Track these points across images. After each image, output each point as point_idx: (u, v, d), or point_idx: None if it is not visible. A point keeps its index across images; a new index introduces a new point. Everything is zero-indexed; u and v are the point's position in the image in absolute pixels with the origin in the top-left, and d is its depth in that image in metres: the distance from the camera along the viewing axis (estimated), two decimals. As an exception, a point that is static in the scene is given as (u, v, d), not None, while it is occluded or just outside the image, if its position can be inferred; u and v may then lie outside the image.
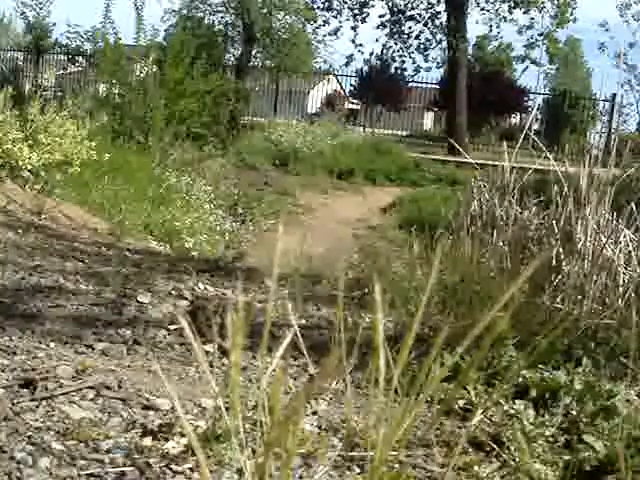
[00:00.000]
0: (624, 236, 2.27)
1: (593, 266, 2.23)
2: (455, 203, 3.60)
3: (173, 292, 2.69)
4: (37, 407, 1.45)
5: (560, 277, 2.27)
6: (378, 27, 19.67)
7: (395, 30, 19.57)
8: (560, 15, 18.27)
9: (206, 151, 10.50)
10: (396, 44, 19.82)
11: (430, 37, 19.32)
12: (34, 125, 5.47)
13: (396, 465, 1.30)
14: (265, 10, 18.11)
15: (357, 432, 1.43)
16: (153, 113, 9.33)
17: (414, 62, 20.01)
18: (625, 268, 2.25)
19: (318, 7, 19.26)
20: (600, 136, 18.80)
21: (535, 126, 19.64)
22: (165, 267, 3.23)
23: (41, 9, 20.64)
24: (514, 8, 18.35)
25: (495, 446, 1.49)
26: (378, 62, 21.79)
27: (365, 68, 22.57)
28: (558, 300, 2.22)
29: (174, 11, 18.84)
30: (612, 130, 16.56)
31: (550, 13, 18.32)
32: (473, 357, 1.76)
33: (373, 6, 19.43)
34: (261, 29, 18.14)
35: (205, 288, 2.82)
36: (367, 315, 2.36)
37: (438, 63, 20.10)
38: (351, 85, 23.18)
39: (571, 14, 18.28)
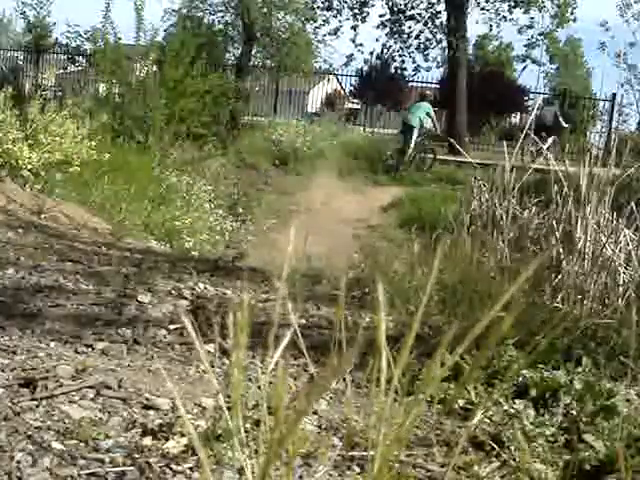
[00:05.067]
0: (624, 236, 2.28)
1: (593, 266, 2.24)
2: (455, 202, 3.60)
3: (173, 292, 2.68)
4: (37, 407, 1.45)
5: (560, 277, 2.27)
6: (378, 27, 19.67)
7: (395, 30, 19.56)
8: (560, 15, 18.27)
9: (206, 151, 10.50)
10: (396, 44, 19.82)
11: (430, 37, 19.31)
12: (34, 125, 5.47)
13: (396, 465, 1.30)
14: (265, 10, 18.07)
15: (357, 432, 1.43)
16: (153, 113, 9.33)
17: (414, 62, 20.01)
18: (625, 268, 2.25)
19: (318, 7, 19.25)
20: (600, 136, 18.81)
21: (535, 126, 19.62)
22: (165, 267, 3.23)
23: (41, 9, 20.66)
24: (514, 8, 18.35)
25: (495, 446, 1.49)
26: (378, 62, 21.79)
27: (365, 68, 22.56)
28: (558, 300, 2.22)
29: (174, 11, 18.82)
30: (612, 130, 16.57)
31: (550, 13, 18.32)
32: (476, 358, 1.76)
33: (373, 5, 19.42)
34: (261, 29, 18.10)
35: (205, 288, 2.82)
36: (367, 315, 2.36)
37: (438, 63, 20.10)
38: (351, 85, 23.16)
39: (571, 14, 18.29)
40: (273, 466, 0.95)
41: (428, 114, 13.53)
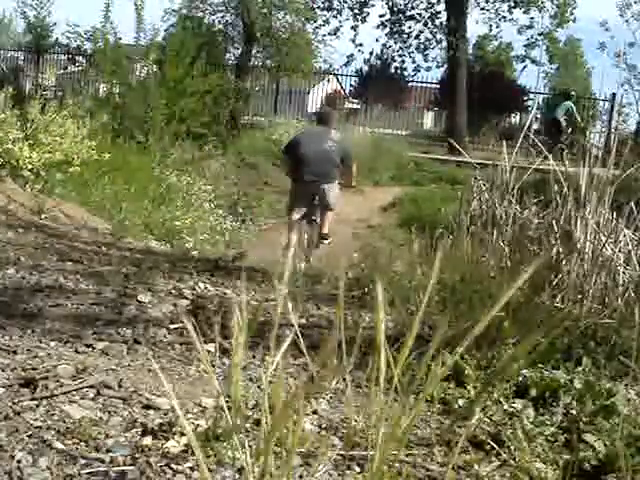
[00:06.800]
0: (624, 235, 2.28)
1: (593, 266, 2.24)
2: (455, 202, 3.60)
3: (173, 291, 2.69)
4: (37, 406, 1.45)
5: (560, 276, 2.27)
6: (378, 27, 19.68)
7: (395, 30, 19.57)
8: (560, 15, 18.28)
9: (206, 151, 10.50)
10: (396, 44, 19.84)
11: (430, 37, 19.32)
12: (34, 125, 5.48)
13: (396, 464, 1.31)
14: (265, 10, 18.06)
15: (357, 431, 1.43)
16: (153, 113, 9.33)
17: (414, 62, 20.03)
18: (625, 267, 2.25)
19: (318, 7, 19.26)
20: (600, 136, 18.80)
21: (535, 126, 19.63)
22: (165, 266, 3.23)
23: (42, 9, 20.66)
24: (514, 8, 18.36)
25: (495, 445, 1.50)
26: (378, 62, 21.81)
27: (365, 68, 22.59)
28: (558, 299, 2.22)
29: (174, 11, 18.81)
30: (612, 130, 16.57)
31: (550, 13, 18.33)
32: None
33: (373, 6, 19.43)
34: (261, 29, 18.09)
35: (205, 287, 2.82)
36: (367, 314, 2.37)
37: (438, 63, 20.12)
38: (351, 85, 23.16)
39: (571, 14, 18.30)
40: (273, 465, 0.95)
41: (569, 110, 15.51)
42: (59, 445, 1.30)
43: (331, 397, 1.72)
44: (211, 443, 1.29)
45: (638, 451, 1.46)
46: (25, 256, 3.09)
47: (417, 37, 19.44)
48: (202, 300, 2.51)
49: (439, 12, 18.71)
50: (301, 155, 6.39)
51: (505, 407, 1.67)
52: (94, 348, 1.98)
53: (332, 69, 21.41)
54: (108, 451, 1.30)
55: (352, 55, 20.47)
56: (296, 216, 6.24)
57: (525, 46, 19.78)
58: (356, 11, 19.29)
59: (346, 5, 19.35)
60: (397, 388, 1.00)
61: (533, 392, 1.76)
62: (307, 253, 6.28)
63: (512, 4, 18.27)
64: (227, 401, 1.15)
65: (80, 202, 5.29)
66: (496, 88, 19.89)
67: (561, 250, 2.30)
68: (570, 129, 15.44)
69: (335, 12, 19.34)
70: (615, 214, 2.34)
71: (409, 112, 22.34)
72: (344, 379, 1.65)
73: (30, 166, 5.11)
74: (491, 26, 19.27)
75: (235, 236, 7.70)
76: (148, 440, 1.35)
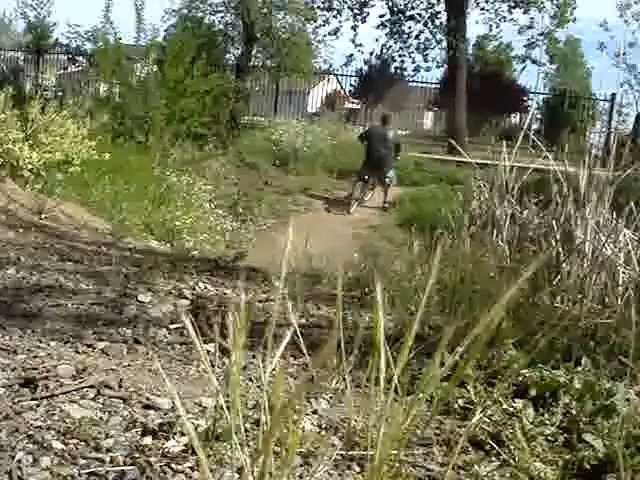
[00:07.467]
0: (623, 235, 2.28)
1: (593, 265, 2.24)
2: (455, 202, 3.60)
3: (173, 291, 2.69)
4: (38, 406, 1.45)
5: (560, 276, 2.27)
6: (378, 27, 19.69)
7: (395, 30, 19.58)
8: (560, 15, 18.29)
9: (206, 151, 10.51)
10: (396, 44, 19.85)
11: (430, 37, 19.33)
12: (35, 125, 5.48)
13: (396, 464, 1.31)
14: (265, 10, 18.07)
15: (357, 431, 1.43)
16: (153, 113, 9.35)
17: (414, 62, 20.03)
18: (625, 267, 2.25)
19: (318, 7, 19.26)
20: (600, 136, 18.80)
21: (535, 126, 19.65)
22: (165, 266, 3.23)
23: (42, 9, 20.67)
24: (514, 8, 18.37)
25: (495, 445, 1.50)
26: (378, 62, 21.82)
27: (365, 68, 22.59)
28: (558, 299, 2.22)
29: (174, 11, 18.80)
30: (611, 130, 16.58)
31: (550, 13, 18.34)
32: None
33: (373, 6, 19.44)
34: (261, 29, 18.10)
35: (205, 287, 2.82)
36: (367, 314, 2.37)
37: (438, 63, 20.11)
38: (351, 85, 23.18)
39: (571, 14, 18.31)
40: (273, 465, 0.95)
41: None
42: (59, 445, 1.30)
43: (331, 397, 1.72)
44: (211, 443, 1.29)
45: (638, 451, 1.47)
46: (25, 256, 3.09)
47: (417, 37, 19.45)
48: (202, 300, 2.51)
49: (439, 12, 18.72)
50: (369, 150, 10.87)
51: (505, 407, 1.67)
52: (94, 348, 1.98)
53: (332, 69, 21.41)
54: (108, 451, 1.30)
55: (352, 55, 20.51)
56: (359, 182, 10.72)
57: (525, 46, 19.80)
58: (356, 11, 19.31)
59: (346, 5, 19.36)
60: (397, 388, 1.01)
61: (533, 392, 1.76)
62: (360, 201, 10.60)
63: (512, 4, 18.28)
64: (227, 401, 1.16)
65: (80, 202, 5.30)
66: (496, 88, 19.90)
67: (561, 250, 2.30)
68: None
69: (335, 12, 19.36)
70: (615, 214, 2.34)
71: (409, 112, 22.34)
72: (344, 379, 1.65)
73: (30, 166, 5.12)
74: (491, 26, 19.30)
75: (235, 236, 7.71)
76: (148, 440, 1.35)
